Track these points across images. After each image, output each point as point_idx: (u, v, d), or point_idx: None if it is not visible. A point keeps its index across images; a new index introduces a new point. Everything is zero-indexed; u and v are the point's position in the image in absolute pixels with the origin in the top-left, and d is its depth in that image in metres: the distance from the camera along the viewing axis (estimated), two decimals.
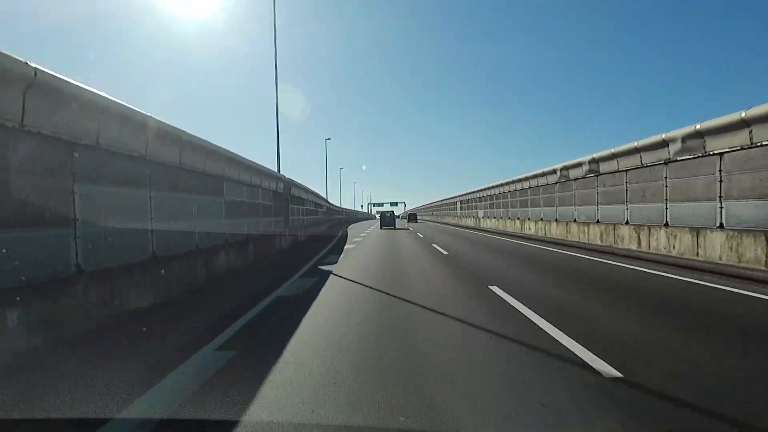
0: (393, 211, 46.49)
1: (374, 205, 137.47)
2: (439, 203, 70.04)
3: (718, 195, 9.98)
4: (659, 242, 12.05)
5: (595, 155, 16.39)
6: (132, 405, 3.07)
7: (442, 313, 5.56)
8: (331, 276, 9.29)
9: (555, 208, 20.80)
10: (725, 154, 9.83)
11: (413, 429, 2.72)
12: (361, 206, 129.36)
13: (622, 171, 14.47)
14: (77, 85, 5.16)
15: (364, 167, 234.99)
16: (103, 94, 5.60)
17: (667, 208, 12.03)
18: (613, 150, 14.93)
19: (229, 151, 10.83)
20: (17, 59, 4.21)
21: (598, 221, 16.27)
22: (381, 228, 38.11)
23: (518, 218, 26.65)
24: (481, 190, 37.18)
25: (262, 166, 14.72)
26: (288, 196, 19.99)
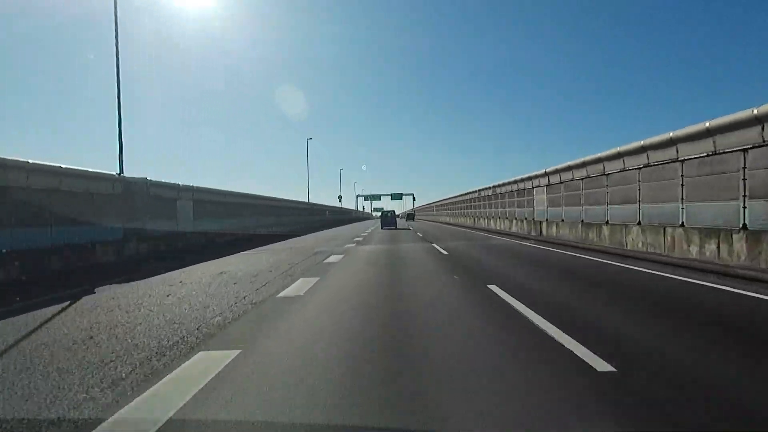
0: (394, 211, 48.75)
1: (367, 198, 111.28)
2: (440, 203, 73.49)
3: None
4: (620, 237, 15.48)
5: (585, 159, 19.80)
6: (131, 404, 3.18)
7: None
8: None
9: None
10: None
11: (412, 429, 2.72)
12: (339, 198, 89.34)
13: (586, 178, 17.98)
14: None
15: (364, 167, 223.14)
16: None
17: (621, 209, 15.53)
18: (573, 160, 18.47)
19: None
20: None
21: (583, 221, 19.75)
22: (382, 228, 40.46)
23: (506, 218, 30.00)
24: (478, 191, 40.42)
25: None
26: None
